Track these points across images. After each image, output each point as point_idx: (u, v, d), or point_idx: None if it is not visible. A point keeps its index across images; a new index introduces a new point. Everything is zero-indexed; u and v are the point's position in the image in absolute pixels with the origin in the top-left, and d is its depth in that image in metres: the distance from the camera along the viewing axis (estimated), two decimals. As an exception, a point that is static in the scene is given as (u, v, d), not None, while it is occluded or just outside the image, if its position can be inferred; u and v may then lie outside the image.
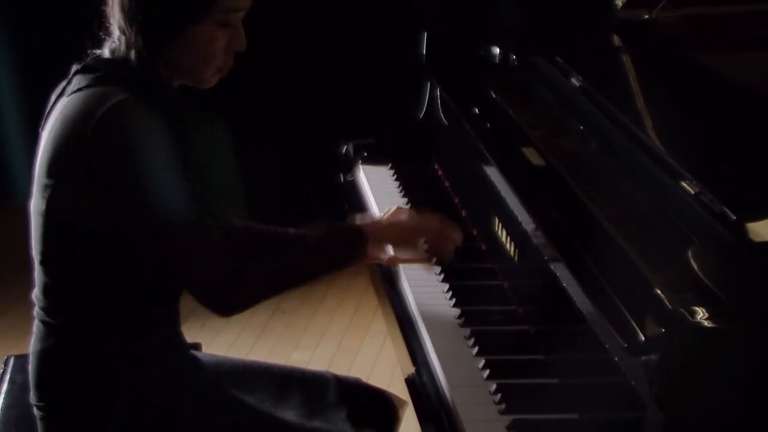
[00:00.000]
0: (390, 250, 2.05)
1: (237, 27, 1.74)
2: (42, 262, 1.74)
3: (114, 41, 1.72)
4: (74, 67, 1.73)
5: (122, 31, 1.69)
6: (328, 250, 1.81)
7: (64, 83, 1.74)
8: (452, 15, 3.77)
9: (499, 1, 2.96)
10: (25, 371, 1.95)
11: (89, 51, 1.74)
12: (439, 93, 2.52)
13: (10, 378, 2.03)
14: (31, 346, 1.80)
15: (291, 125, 4.21)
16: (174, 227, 1.66)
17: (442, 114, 2.51)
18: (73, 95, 1.69)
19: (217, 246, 1.69)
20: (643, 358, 1.28)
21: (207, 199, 1.75)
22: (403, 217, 1.88)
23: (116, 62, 1.70)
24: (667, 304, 1.30)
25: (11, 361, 2.08)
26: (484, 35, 2.56)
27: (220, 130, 3.77)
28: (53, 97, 1.74)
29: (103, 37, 1.74)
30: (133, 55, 1.69)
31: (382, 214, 1.94)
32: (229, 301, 1.71)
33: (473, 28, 3.03)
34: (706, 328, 1.25)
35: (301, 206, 4.09)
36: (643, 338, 1.31)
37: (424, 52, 2.59)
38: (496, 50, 2.44)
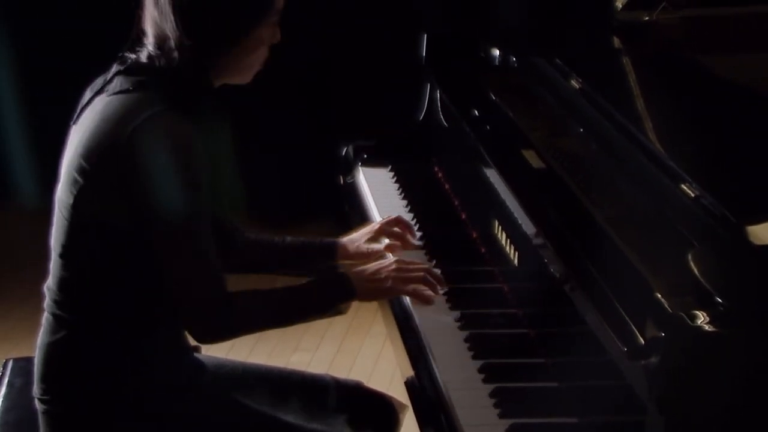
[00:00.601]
0: (385, 239, 2.09)
1: (278, 24, 1.78)
2: (62, 255, 1.75)
3: (152, 45, 1.72)
4: (115, 68, 1.75)
5: (173, 38, 1.69)
6: (316, 300, 1.84)
7: (101, 81, 1.76)
8: (452, 16, 3.77)
9: (499, 2, 2.96)
10: (24, 374, 1.96)
11: (124, 54, 1.75)
12: (438, 95, 2.52)
13: (9, 381, 2.03)
14: (39, 338, 1.81)
15: (291, 127, 4.21)
16: (183, 244, 1.69)
17: (442, 116, 2.51)
18: (113, 97, 1.71)
19: (217, 271, 1.72)
20: (643, 361, 1.28)
21: (215, 218, 1.78)
22: (392, 266, 1.88)
23: (159, 68, 1.71)
24: (667, 307, 1.30)
25: (10, 364, 2.08)
26: (484, 37, 2.56)
27: (220, 132, 3.76)
28: (89, 94, 1.76)
29: (139, 40, 1.75)
30: (181, 62, 1.69)
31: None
32: (212, 327, 1.75)
33: (473, 30, 3.02)
34: (706, 331, 1.25)
35: (301, 208, 4.09)
36: (642, 342, 1.31)
37: (424, 53, 2.59)
38: (496, 52, 2.44)
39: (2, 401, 1.98)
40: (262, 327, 1.88)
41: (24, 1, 4.17)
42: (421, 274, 1.89)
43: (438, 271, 1.96)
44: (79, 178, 1.70)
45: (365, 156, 2.55)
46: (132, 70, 1.73)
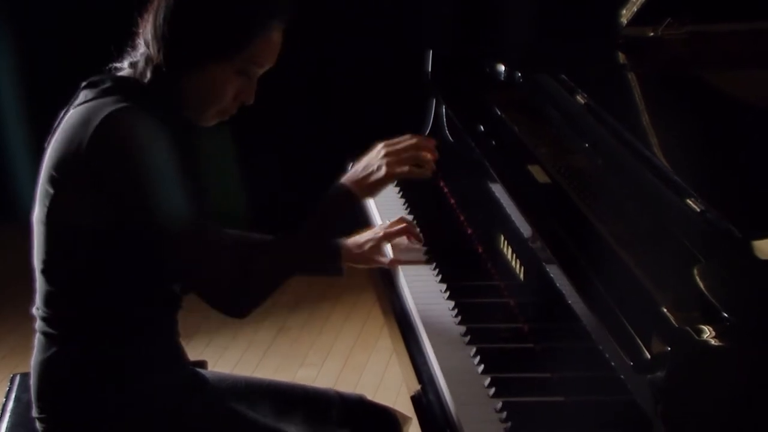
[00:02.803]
0: (390, 253, 2.10)
1: (252, 79, 1.77)
2: (43, 271, 1.76)
3: (136, 55, 1.75)
4: (83, 83, 1.76)
5: (146, 44, 1.73)
6: (324, 221, 1.82)
7: (72, 98, 1.77)
8: (458, 32, 3.78)
9: (504, 18, 2.97)
10: (30, 389, 1.96)
11: (111, 65, 1.78)
12: (444, 110, 2.53)
13: (15, 396, 2.03)
14: (33, 359, 1.82)
15: (297, 141, 4.22)
16: (175, 232, 1.67)
17: (447, 131, 2.51)
18: (77, 108, 1.72)
19: (220, 248, 1.71)
20: (649, 376, 1.28)
21: (204, 205, 1.76)
22: (381, 152, 1.86)
23: (126, 77, 1.74)
24: (673, 322, 1.30)
25: (17, 379, 2.08)
26: (489, 52, 2.56)
27: (226, 145, 3.78)
28: (61, 114, 1.77)
29: (128, 49, 1.77)
30: (148, 72, 1.72)
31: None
32: (240, 299, 1.73)
33: (478, 46, 3.04)
34: (712, 346, 1.25)
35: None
36: (648, 356, 1.30)
37: (429, 69, 2.60)
38: (501, 67, 2.45)
39: (9, 416, 1.98)
40: (285, 276, 1.81)
41: (30, 22, 4.19)
42: (411, 147, 1.85)
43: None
44: (50, 189, 1.70)
45: (371, 171, 2.55)
46: (96, 81, 1.74)
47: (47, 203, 1.71)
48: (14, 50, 4.24)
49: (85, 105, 1.71)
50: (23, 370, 2.16)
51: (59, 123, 1.75)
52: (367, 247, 2.06)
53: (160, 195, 1.65)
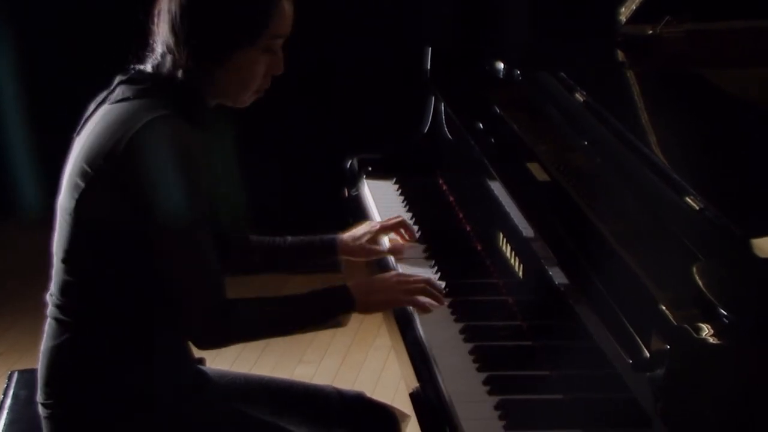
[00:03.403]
0: (386, 243, 2.13)
1: (277, 51, 1.79)
2: (64, 260, 1.76)
3: (157, 58, 1.76)
4: (118, 78, 1.78)
5: (170, 50, 1.74)
6: (315, 310, 1.84)
7: (105, 93, 1.79)
8: (457, 30, 3.78)
9: (504, 16, 2.97)
10: (29, 386, 1.96)
11: (132, 65, 1.78)
12: (443, 108, 2.53)
13: (14, 393, 2.03)
14: (43, 344, 1.82)
15: (295, 140, 4.22)
16: (183, 250, 1.70)
17: (446, 129, 2.52)
18: (116, 104, 1.74)
19: (217, 278, 1.73)
20: (648, 373, 1.28)
21: (217, 223, 1.79)
22: (392, 278, 1.91)
23: (161, 77, 1.75)
24: (672, 320, 1.30)
25: (15, 376, 2.08)
26: (489, 50, 2.56)
27: (224, 144, 3.77)
28: (92, 106, 1.79)
29: (147, 53, 1.78)
30: (180, 73, 1.73)
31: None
32: (211, 333, 1.75)
33: (477, 43, 3.04)
34: (711, 344, 1.25)
35: (306, 220, 4.09)
36: (648, 354, 1.31)
37: (429, 66, 2.60)
38: (501, 65, 2.45)
39: (7, 413, 1.98)
40: (260, 335, 1.89)
41: (29, 24, 4.19)
42: (422, 285, 1.89)
43: (441, 284, 1.96)
44: (80, 183, 1.71)
45: (370, 168, 2.56)
46: (135, 79, 1.76)
47: (76, 196, 1.72)
48: (14, 50, 4.24)
49: (125, 104, 1.72)
50: (21, 366, 2.16)
51: (91, 114, 1.77)
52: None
53: (184, 207, 1.68)
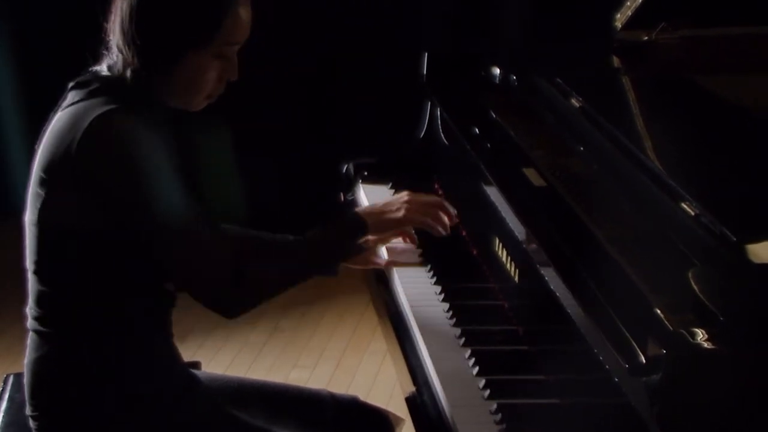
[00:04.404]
0: (385, 254, 2.11)
1: (231, 58, 1.77)
2: (35, 272, 1.76)
3: (112, 57, 1.75)
4: (70, 84, 1.77)
5: (119, 50, 1.73)
6: (329, 242, 1.84)
7: (60, 100, 1.77)
8: (453, 35, 3.79)
9: (500, 21, 2.98)
10: (23, 390, 1.95)
11: (90, 67, 1.78)
12: (439, 113, 2.53)
13: (9, 396, 2.03)
14: (26, 357, 1.82)
15: (291, 144, 4.22)
16: (168, 230, 1.68)
17: (442, 134, 2.52)
18: (66, 109, 1.73)
19: (214, 248, 1.71)
20: (644, 379, 1.28)
21: (200, 204, 1.77)
22: (403, 197, 1.91)
23: (111, 78, 1.74)
24: (668, 325, 1.31)
25: (10, 379, 2.08)
26: (485, 55, 2.57)
27: (219, 149, 3.77)
28: (50, 116, 1.77)
29: (103, 52, 1.77)
30: (128, 73, 1.72)
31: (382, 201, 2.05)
32: (233, 300, 1.73)
33: (473, 48, 3.04)
34: (707, 349, 1.25)
35: (302, 225, 4.09)
36: (643, 359, 1.31)
37: (425, 71, 2.60)
38: (497, 70, 2.45)
39: (2, 416, 1.98)
40: (284, 285, 1.81)
41: (26, 22, 4.19)
42: (433, 206, 1.90)
43: (452, 209, 1.97)
44: (40, 191, 1.71)
45: (366, 173, 2.56)
46: (84, 82, 1.75)
47: (38, 205, 1.71)
48: (13, 49, 4.23)
49: (74, 107, 1.71)
50: (17, 370, 2.16)
51: (48, 125, 1.75)
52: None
53: (151, 194, 1.66)
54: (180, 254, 1.70)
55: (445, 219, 1.92)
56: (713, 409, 1.24)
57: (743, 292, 1.38)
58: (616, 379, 1.38)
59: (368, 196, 2.48)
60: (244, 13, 1.74)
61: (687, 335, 1.26)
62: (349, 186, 2.55)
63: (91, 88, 1.73)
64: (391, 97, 3.66)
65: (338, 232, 1.84)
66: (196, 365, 2.08)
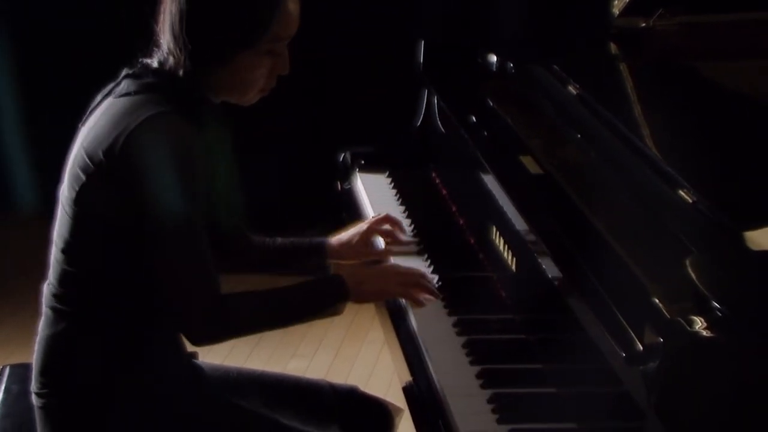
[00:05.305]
0: (381, 243, 2.11)
1: (282, 53, 1.78)
2: (64, 251, 1.76)
3: (163, 53, 1.76)
4: (124, 71, 1.78)
5: (171, 52, 1.74)
6: (309, 302, 1.83)
7: (112, 85, 1.79)
8: (450, 23, 3.78)
9: (497, 9, 2.97)
10: (22, 380, 1.96)
11: (139, 59, 1.79)
12: (436, 101, 2.52)
13: (5, 387, 2.03)
14: (39, 333, 1.82)
15: (288, 133, 4.21)
16: (177, 245, 1.70)
17: (439, 122, 2.51)
18: (120, 98, 1.74)
19: (210, 273, 1.73)
20: (642, 367, 1.28)
21: (216, 221, 1.80)
22: (387, 270, 1.93)
23: (164, 73, 1.75)
24: (666, 313, 1.30)
25: (7, 370, 2.08)
26: (482, 43, 2.56)
27: (221, 139, 3.76)
28: (99, 97, 1.79)
29: (153, 48, 1.77)
30: (180, 72, 1.73)
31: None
32: (205, 328, 1.74)
33: (470, 36, 3.03)
34: (705, 337, 1.25)
35: (299, 214, 4.09)
36: (641, 347, 1.30)
37: (421, 59, 2.59)
38: (494, 58, 2.44)
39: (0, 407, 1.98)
40: (255, 329, 1.87)
41: (26, 16, 4.18)
42: (416, 278, 1.89)
43: (434, 278, 1.96)
44: (81, 175, 1.72)
45: (363, 162, 2.55)
46: (139, 74, 1.76)
47: (76, 187, 1.72)
48: (12, 48, 4.23)
49: (128, 98, 1.72)
50: (14, 361, 2.15)
51: (97, 105, 1.77)
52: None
53: (175, 206, 1.68)
54: (180, 268, 1.71)
55: (426, 294, 1.88)
56: (711, 397, 1.24)
57: (741, 280, 1.38)
58: (614, 368, 1.38)
59: (365, 184, 2.48)
60: (293, 6, 1.75)
61: (684, 324, 1.25)
62: (346, 175, 2.55)
63: (145, 81, 1.73)
64: (388, 85, 3.66)
65: (320, 295, 1.83)
66: (193, 355, 2.08)
